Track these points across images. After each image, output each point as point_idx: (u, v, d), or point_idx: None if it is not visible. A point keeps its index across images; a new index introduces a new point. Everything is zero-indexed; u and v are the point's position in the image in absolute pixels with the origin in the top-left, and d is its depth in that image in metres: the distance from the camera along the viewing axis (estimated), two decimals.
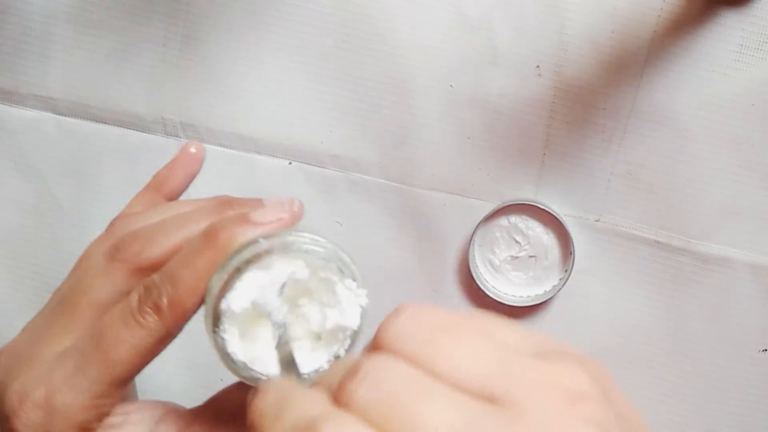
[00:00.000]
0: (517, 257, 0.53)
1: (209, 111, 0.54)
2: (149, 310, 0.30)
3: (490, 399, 0.19)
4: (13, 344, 0.34)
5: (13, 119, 0.56)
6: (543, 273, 0.53)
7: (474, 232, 0.52)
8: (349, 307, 0.29)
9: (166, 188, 0.39)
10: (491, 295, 0.53)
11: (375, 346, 0.22)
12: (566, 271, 0.52)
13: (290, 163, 0.55)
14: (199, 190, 0.56)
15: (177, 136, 0.55)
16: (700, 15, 0.49)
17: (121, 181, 0.56)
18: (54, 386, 0.31)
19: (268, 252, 0.28)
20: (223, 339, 0.29)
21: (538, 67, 0.51)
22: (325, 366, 0.29)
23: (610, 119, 0.51)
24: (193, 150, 0.38)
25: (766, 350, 0.54)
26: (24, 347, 0.33)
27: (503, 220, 0.53)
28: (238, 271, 0.28)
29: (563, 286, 0.52)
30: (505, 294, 0.53)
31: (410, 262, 0.55)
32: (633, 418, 0.22)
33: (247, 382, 0.29)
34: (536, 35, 0.50)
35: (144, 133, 0.55)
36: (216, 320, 0.28)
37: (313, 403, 0.21)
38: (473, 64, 0.51)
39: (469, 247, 0.53)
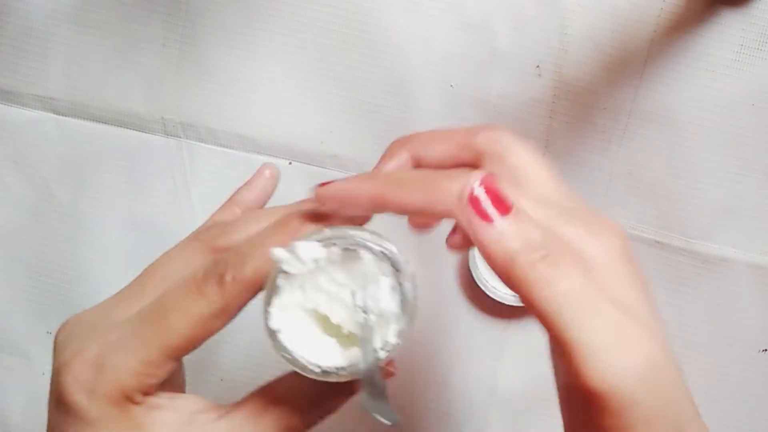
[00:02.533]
0: None
1: (209, 111, 0.54)
2: (212, 281, 0.30)
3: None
4: (83, 313, 0.35)
5: (13, 119, 0.56)
6: None
7: None
8: (391, 298, 0.31)
9: (243, 206, 0.40)
10: (491, 295, 0.53)
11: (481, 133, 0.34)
12: None
13: (290, 163, 0.55)
14: (199, 190, 0.57)
15: (177, 136, 0.55)
16: (700, 15, 0.49)
17: (121, 181, 0.56)
18: (108, 346, 0.32)
19: (330, 239, 0.30)
20: (269, 313, 0.29)
21: (538, 67, 0.51)
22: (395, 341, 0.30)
23: (610, 119, 0.51)
24: (267, 173, 0.41)
25: (766, 350, 0.54)
26: (92, 314, 0.34)
27: None
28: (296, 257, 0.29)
29: None
30: (506, 294, 0.53)
31: (410, 263, 0.55)
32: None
33: (291, 365, 0.30)
34: (536, 35, 0.50)
35: (144, 133, 0.55)
36: (269, 298, 0.29)
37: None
38: (473, 64, 0.51)
39: (469, 247, 0.53)
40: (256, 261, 0.30)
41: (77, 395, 0.32)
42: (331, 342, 0.31)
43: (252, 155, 0.55)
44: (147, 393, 0.32)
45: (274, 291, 0.29)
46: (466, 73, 0.52)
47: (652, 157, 0.52)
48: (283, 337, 0.30)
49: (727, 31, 0.49)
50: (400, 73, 0.52)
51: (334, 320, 0.31)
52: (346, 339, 0.31)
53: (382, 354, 0.30)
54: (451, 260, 0.55)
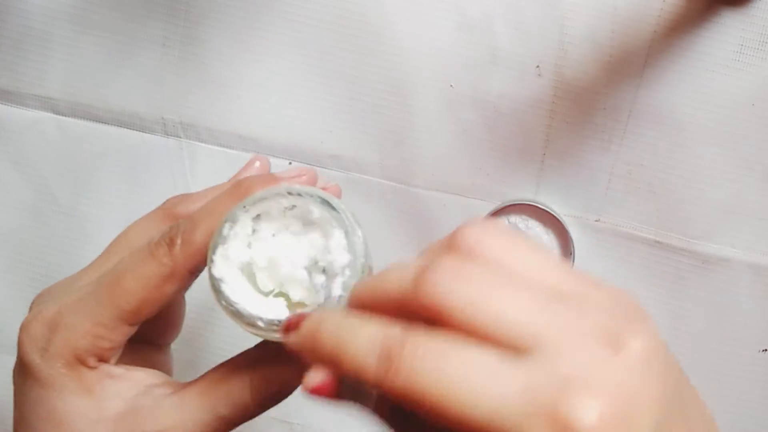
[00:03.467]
0: None
1: (209, 111, 0.54)
2: (164, 244, 0.31)
3: (562, 295, 0.23)
4: (55, 283, 0.35)
5: (13, 119, 0.56)
6: None
7: None
8: (339, 248, 0.30)
9: None
10: None
11: (450, 249, 0.24)
12: None
13: (290, 163, 0.55)
14: (198, 190, 0.56)
15: (177, 136, 0.55)
16: (700, 15, 0.49)
17: (121, 181, 0.56)
18: (65, 306, 0.32)
19: (263, 198, 0.30)
20: (213, 261, 0.30)
21: (538, 67, 0.51)
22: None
23: (610, 119, 0.51)
24: (257, 164, 0.41)
25: (766, 350, 0.54)
26: (61, 282, 0.35)
27: (503, 220, 0.53)
28: (245, 208, 0.30)
29: None
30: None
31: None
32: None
33: (229, 316, 0.30)
34: (536, 35, 0.50)
35: (144, 133, 0.55)
36: (212, 247, 0.30)
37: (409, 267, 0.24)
38: (473, 64, 0.51)
39: None
40: (206, 225, 0.31)
41: (32, 354, 0.32)
42: (278, 301, 0.31)
43: (252, 155, 0.55)
44: (102, 359, 0.33)
45: (219, 240, 0.30)
46: (466, 73, 0.52)
47: (652, 157, 0.52)
48: (227, 288, 0.29)
49: (727, 31, 0.49)
50: (400, 73, 0.52)
51: (281, 279, 0.31)
52: (294, 301, 0.31)
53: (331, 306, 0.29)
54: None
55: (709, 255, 0.53)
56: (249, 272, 0.31)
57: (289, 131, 0.54)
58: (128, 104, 0.55)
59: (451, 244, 0.24)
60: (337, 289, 0.29)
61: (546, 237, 0.53)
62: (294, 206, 0.30)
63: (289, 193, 0.30)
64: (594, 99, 0.51)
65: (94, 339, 0.32)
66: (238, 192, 0.32)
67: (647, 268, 0.53)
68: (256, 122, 0.54)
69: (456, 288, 0.22)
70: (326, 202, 0.30)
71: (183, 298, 0.38)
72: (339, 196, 0.35)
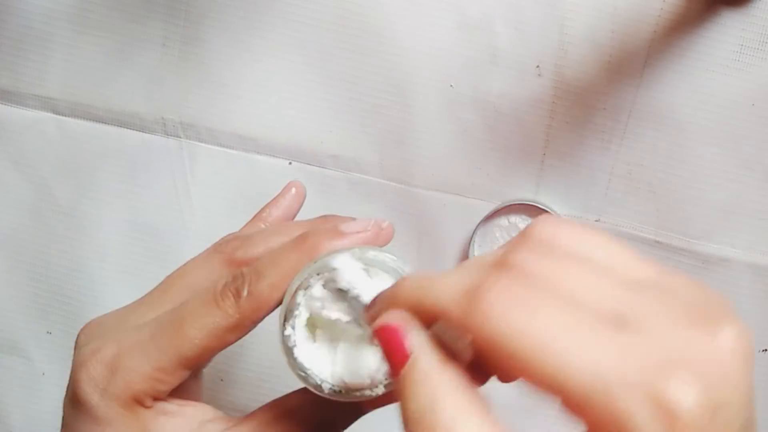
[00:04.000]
0: None
1: (209, 111, 0.54)
2: (230, 294, 0.31)
3: (642, 285, 0.22)
4: (104, 316, 0.36)
5: (13, 119, 0.56)
6: None
7: (474, 232, 0.52)
8: None
9: (269, 223, 0.41)
10: None
11: (523, 243, 0.23)
12: None
13: (290, 163, 0.55)
14: (199, 190, 0.57)
15: (177, 136, 0.55)
16: (700, 15, 0.49)
17: (121, 181, 0.56)
18: (125, 348, 0.33)
19: (336, 266, 0.30)
20: (287, 336, 0.30)
21: (538, 67, 0.51)
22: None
23: (610, 119, 0.51)
24: (293, 191, 0.41)
25: (766, 350, 0.54)
26: (113, 318, 0.35)
27: (503, 220, 0.53)
28: (316, 275, 0.30)
29: None
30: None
31: (410, 262, 0.55)
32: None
33: (303, 383, 0.30)
34: (536, 35, 0.50)
35: (144, 133, 0.55)
36: (288, 315, 0.30)
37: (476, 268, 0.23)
38: (473, 64, 0.51)
39: (469, 247, 0.53)
40: (272, 278, 0.31)
41: (90, 394, 0.32)
42: (347, 362, 0.31)
43: (252, 155, 0.55)
44: (158, 398, 0.33)
45: (292, 307, 0.30)
46: (466, 73, 0.52)
47: (652, 157, 0.52)
48: (299, 354, 0.30)
49: (727, 31, 0.49)
50: (400, 73, 0.52)
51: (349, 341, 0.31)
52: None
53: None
54: (451, 260, 0.55)
55: (709, 255, 0.53)
56: (320, 334, 0.31)
57: (289, 131, 0.54)
58: (128, 104, 0.55)
59: (523, 239, 0.24)
60: None
61: None
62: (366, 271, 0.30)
63: (360, 260, 0.30)
64: (594, 99, 0.51)
65: (154, 382, 0.32)
66: (303, 247, 0.32)
67: None
68: (256, 122, 0.54)
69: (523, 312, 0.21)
70: (396, 272, 0.30)
71: None
72: (392, 237, 0.35)
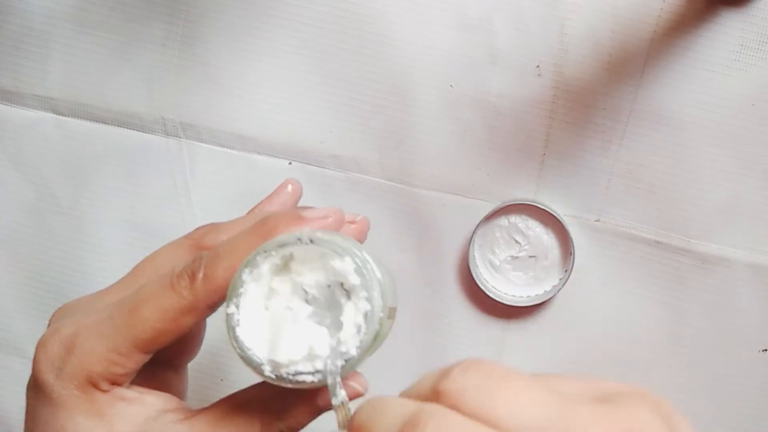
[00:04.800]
0: (517, 257, 0.53)
1: (209, 111, 0.54)
2: (186, 276, 0.31)
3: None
4: (76, 300, 0.36)
5: (13, 119, 0.56)
6: (543, 273, 0.53)
7: (474, 232, 0.52)
8: (352, 316, 0.29)
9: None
10: (491, 295, 0.53)
11: (434, 397, 0.22)
12: (566, 271, 0.52)
13: (290, 163, 0.55)
14: (199, 190, 0.57)
15: (177, 136, 0.55)
16: (700, 15, 0.49)
17: (121, 181, 0.56)
18: (83, 328, 0.32)
19: (299, 242, 0.29)
20: (230, 315, 0.29)
21: (538, 67, 0.51)
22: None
23: (610, 119, 0.51)
24: (289, 188, 0.40)
25: (766, 350, 0.54)
26: (81, 301, 0.35)
27: (503, 220, 0.53)
28: (266, 254, 0.29)
29: (563, 286, 0.52)
30: (505, 294, 0.53)
31: (410, 262, 0.55)
32: None
33: (244, 363, 0.30)
34: (536, 35, 0.50)
35: (144, 133, 0.55)
36: (231, 293, 0.29)
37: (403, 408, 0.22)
38: (473, 64, 0.51)
39: (469, 247, 0.53)
40: (228, 261, 0.30)
41: (47, 373, 0.32)
42: (290, 345, 0.31)
43: (252, 155, 0.55)
44: (115, 382, 0.32)
45: (238, 283, 0.29)
46: (466, 73, 0.52)
47: (652, 157, 0.52)
48: (242, 334, 0.29)
49: (727, 31, 0.49)
50: (400, 73, 0.52)
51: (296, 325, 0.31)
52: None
53: (340, 363, 0.29)
54: (451, 260, 0.55)
55: (709, 255, 0.53)
56: (267, 315, 0.31)
57: (289, 131, 0.54)
58: (128, 104, 0.55)
59: (432, 395, 0.23)
60: (351, 348, 0.29)
61: (546, 237, 0.53)
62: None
63: (311, 241, 0.29)
64: (594, 99, 0.51)
65: (108, 364, 0.32)
66: (261, 230, 0.31)
67: (647, 268, 0.53)
68: (256, 122, 0.54)
69: None
70: (346, 252, 0.29)
71: (204, 322, 0.38)
72: (367, 230, 0.34)
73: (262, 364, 0.29)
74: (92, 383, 0.32)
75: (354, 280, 0.29)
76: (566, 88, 0.51)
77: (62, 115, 0.56)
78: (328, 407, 0.32)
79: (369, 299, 0.29)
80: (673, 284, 0.53)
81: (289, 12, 0.52)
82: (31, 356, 0.61)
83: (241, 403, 0.33)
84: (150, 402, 0.33)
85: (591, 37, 0.50)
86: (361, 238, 0.35)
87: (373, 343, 0.30)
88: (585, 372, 0.54)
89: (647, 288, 0.54)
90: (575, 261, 0.52)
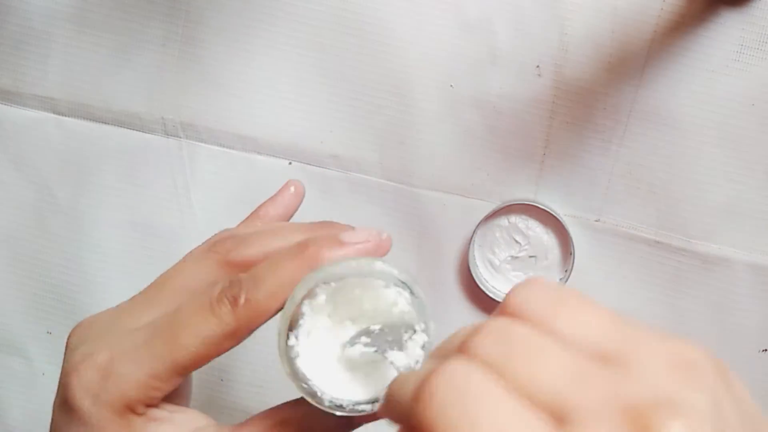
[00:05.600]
0: (517, 257, 0.53)
1: (209, 111, 0.54)
2: (226, 302, 0.30)
3: (604, 358, 0.20)
4: (96, 316, 0.35)
5: (13, 119, 0.56)
6: (543, 273, 0.53)
7: (474, 232, 0.52)
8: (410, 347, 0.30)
9: (267, 220, 0.40)
10: (491, 295, 0.53)
11: (501, 312, 0.23)
12: (566, 271, 0.52)
13: (290, 163, 0.55)
14: (199, 190, 0.57)
15: (177, 136, 0.55)
16: (700, 15, 0.49)
17: (121, 181, 0.56)
18: (118, 353, 0.32)
19: (343, 276, 0.29)
20: (290, 346, 0.29)
21: (538, 67, 0.51)
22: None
23: (610, 119, 0.51)
24: (292, 189, 0.40)
25: (766, 350, 0.54)
26: (105, 319, 0.34)
27: (503, 220, 0.53)
28: (325, 286, 0.29)
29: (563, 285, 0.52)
30: (505, 294, 0.53)
31: (410, 262, 0.55)
32: (751, 408, 0.21)
33: (303, 394, 0.30)
34: (536, 35, 0.50)
35: (144, 133, 0.55)
36: (292, 325, 0.29)
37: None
38: (473, 64, 0.51)
39: (469, 247, 0.53)
40: (271, 286, 0.30)
41: (82, 399, 0.32)
42: (347, 375, 0.31)
43: (252, 155, 0.55)
44: (150, 405, 0.32)
45: (297, 317, 0.29)
46: (466, 73, 0.52)
47: (652, 157, 0.52)
48: (301, 365, 0.29)
49: (727, 31, 0.49)
50: (400, 73, 0.52)
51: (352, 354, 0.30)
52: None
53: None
54: (451, 260, 0.55)
55: (709, 255, 0.53)
56: (325, 346, 0.31)
57: (289, 131, 0.54)
58: (128, 104, 0.55)
59: (499, 310, 0.23)
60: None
61: (546, 237, 0.53)
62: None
63: (368, 273, 0.29)
64: (594, 99, 0.51)
65: (147, 389, 0.32)
66: (303, 256, 0.31)
67: (647, 268, 0.53)
68: (256, 122, 0.54)
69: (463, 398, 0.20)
70: (404, 284, 0.29)
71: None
72: (390, 247, 0.34)
73: (322, 396, 0.29)
74: (130, 408, 0.32)
75: (411, 313, 0.29)
76: (566, 88, 0.51)
77: (62, 115, 0.56)
78: (365, 423, 0.32)
79: (426, 330, 0.29)
80: (673, 284, 0.53)
81: (289, 12, 0.52)
82: (31, 356, 0.61)
83: (278, 421, 0.33)
84: (182, 421, 0.33)
85: (591, 37, 0.50)
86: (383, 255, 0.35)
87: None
88: None
89: (647, 288, 0.54)
90: (575, 261, 0.52)
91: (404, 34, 0.51)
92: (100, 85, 0.55)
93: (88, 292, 0.57)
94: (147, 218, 0.56)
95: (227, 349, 0.31)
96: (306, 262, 0.31)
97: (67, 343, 0.34)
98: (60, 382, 0.34)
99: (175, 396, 0.34)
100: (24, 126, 0.56)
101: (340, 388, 0.30)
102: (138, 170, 0.56)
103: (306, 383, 0.29)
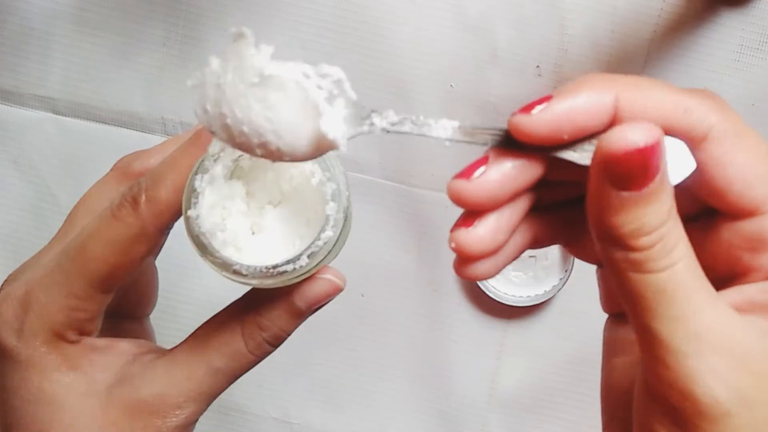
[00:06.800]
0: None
1: None
2: (127, 204, 0.30)
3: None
4: (20, 265, 0.34)
5: (13, 119, 0.56)
6: (543, 273, 0.53)
7: None
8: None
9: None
10: (491, 295, 0.53)
11: None
12: (566, 271, 0.52)
13: None
14: None
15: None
16: (700, 15, 0.49)
17: None
18: (33, 284, 0.31)
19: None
20: (189, 218, 0.28)
21: (538, 67, 0.51)
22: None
23: None
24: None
25: None
26: (26, 263, 0.34)
27: None
28: (213, 158, 0.29)
29: (563, 286, 0.52)
30: (505, 294, 0.53)
31: (410, 262, 0.55)
32: None
33: (214, 267, 0.29)
34: (536, 35, 0.50)
35: (144, 133, 0.55)
36: (188, 204, 0.29)
37: None
38: (473, 64, 0.51)
39: None
40: (171, 179, 0.29)
41: (7, 338, 0.31)
42: (260, 246, 0.30)
43: None
44: (82, 332, 0.32)
45: (192, 194, 0.28)
46: (466, 73, 0.52)
47: None
48: (209, 239, 0.28)
49: (727, 31, 0.49)
50: (400, 73, 0.52)
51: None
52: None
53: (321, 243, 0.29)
54: (451, 260, 0.54)
55: None
56: (232, 212, 0.30)
57: None
58: (128, 104, 0.55)
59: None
60: (327, 228, 0.29)
61: None
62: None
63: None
64: None
65: (70, 311, 0.31)
66: (199, 141, 0.30)
67: None
68: None
69: None
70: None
71: (154, 267, 0.37)
72: None
73: (236, 265, 0.28)
74: (58, 336, 0.31)
75: (312, 165, 0.29)
76: None
77: (62, 115, 0.56)
78: (309, 309, 0.32)
79: (333, 179, 0.29)
80: None
81: (289, 12, 0.52)
82: None
83: (217, 324, 0.32)
84: (123, 348, 0.33)
85: (591, 37, 0.50)
86: None
87: (344, 224, 0.29)
88: (585, 372, 0.54)
89: None
90: (575, 261, 0.52)
91: (404, 34, 0.51)
92: (100, 85, 0.55)
93: None
94: None
95: (141, 256, 0.31)
96: (201, 148, 0.30)
97: None
98: None
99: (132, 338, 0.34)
100: (24, 126, 0.56)
101: (258, 258, 0.29)
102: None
103: (215, 255, 0.28)
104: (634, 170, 0.22)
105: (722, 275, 0.26)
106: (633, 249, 0.22)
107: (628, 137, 0.22)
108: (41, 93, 0.55)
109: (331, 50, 0.52)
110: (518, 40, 0.51)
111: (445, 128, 0.26)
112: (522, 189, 0.25)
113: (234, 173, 0.30)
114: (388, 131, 0.26)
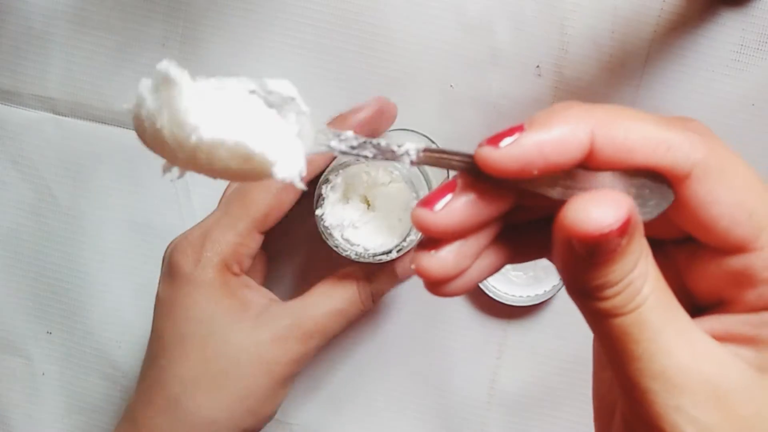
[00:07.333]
0: None
1: None
2: None
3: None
4: (181, 234, 0.45)
5: (13, 119, 0.56)
6: (543, 273, 0.53)
7: None
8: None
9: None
10: (491, 294, 0.53)
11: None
12: None
13: None
14: (198, 190, 0.57)
15: None
16: (700, 15, 0.49)
17: (121, 181, 0.56)
18: (207, 227, 0.42)
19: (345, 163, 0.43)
20: (318, 216, 0.42)
21: (538, 67, 0.51)
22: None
23: None
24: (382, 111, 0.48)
25: None
26: (193, 227, 0.44)
27: None
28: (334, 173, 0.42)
29: (563, 286, 0.52)
30: (505, 294, 0.53)
31: (410, 262, 0.55)
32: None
33: (336, 250, 0.42)
34: (536, 35, 0.50)
35: None
36: (317, 203, 0.42)
37: None
38: (473, 64, 0.51)
39: None
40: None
41: (187, 266, 0.41)
42: (375, 226, 0.43)
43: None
44: (242, 266, 0.42)
45: (319, 198, 0.41)
46: (466, 73, 0.52)
47: None
48: (336, 233, 0.42)
49: (727, 31, 0.49)
50: (400, 73, 0.52)
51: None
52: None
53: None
54: None
55: None
56: (349, 209, 0.43)
57: None
58: (128, 104, 0.55)
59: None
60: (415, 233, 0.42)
61: None
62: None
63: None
64: (594, 99, 0.51)
65: (236, 246, 0.41)
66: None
67: None
68: None
69: None
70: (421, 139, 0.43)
71: (263, 252, 0.48)
72: (395, 111, 0.48)
73: (348, 251, 0.42)
74: (226, 266, 0.41)
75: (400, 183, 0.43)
76: (566, 88, 0.51)
77: (62, 115, 0.56)
78: (403, 278, 0.46)
79: (415, 190, 0.44)
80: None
81: (289, 12, 0.52)
82: (32, 356, 0.62)
83: (336, 280, 0.43)
84: (265, 293, 0.44)
85: (591, 37, 0.50)
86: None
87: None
88: (585, 372, 0.54)
89: None
90: None
91: (404, 34, 0.51)
92: (100, 85, 0.55)
93: (88, 292, 0.57)
94: (147, 218, 0.56)
95: (289, 202, 0.42)
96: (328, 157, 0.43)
97: (162, 259, 0.44)
98: (163, 267, 0.43)
99: (255, 274, 0.45)
100: (24, 126, 0.56)
101: (374, 242, 0.43)
102: (138, 170, 0.56)
103: (336, 243, 0.42)
104: (600, 247, 0.21)
105: (706, 299, 0.26)
106: (600, 300, 0.22)
107: (592, 217, 0.21)
108: (41, 93, 0.55)
109: (331, 50, 0.52)
110: (518, 40, 0.51)
111: (409, 153, 0.25)
112: (489, 220, 0.25)
113: (347, 183, 0.43)
114: (347, 154, 0.26)
